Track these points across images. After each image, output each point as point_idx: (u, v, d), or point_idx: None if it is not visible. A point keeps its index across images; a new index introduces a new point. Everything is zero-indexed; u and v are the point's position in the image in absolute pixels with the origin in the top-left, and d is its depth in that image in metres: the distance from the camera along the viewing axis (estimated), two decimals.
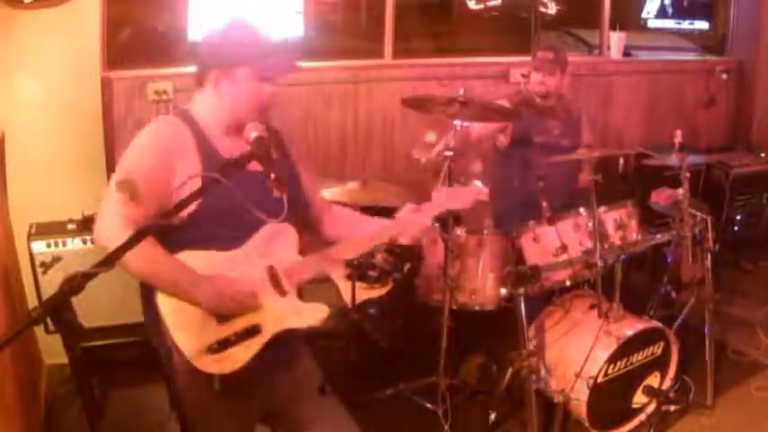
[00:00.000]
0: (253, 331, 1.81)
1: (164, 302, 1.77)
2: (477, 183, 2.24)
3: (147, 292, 1.81)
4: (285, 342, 1.88)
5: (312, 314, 1.90)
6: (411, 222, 2.07)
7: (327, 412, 2.03)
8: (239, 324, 1.80)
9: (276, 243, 1.86)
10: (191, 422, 1.92)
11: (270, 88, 1.85)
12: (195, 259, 1.77)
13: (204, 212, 1.76)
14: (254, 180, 1.72)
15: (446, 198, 2.18)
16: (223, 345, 1.77)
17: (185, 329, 1.76)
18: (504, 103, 3.36)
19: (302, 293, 1.95)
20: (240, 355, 1.79)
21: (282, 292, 1.86)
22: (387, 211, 3.55)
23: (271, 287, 1.85)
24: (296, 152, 2.07)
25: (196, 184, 1.64)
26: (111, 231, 1.72)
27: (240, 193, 1.62)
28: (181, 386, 1.87)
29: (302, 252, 1.93)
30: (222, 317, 1.79)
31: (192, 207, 1.69)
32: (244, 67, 1.81)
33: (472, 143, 3.32)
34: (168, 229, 1.75)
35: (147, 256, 1.70)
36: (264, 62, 1.82)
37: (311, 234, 2.10)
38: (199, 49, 1.92)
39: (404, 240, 2.02)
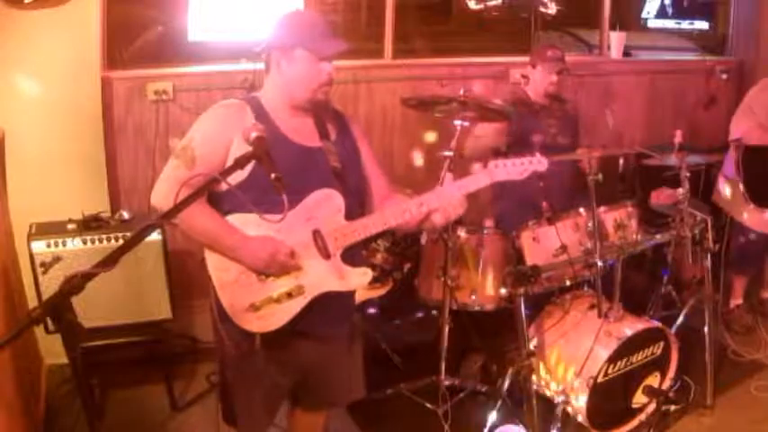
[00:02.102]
0: (295, 291, 1.90)
1: (210, 260, 1.90)
2: (538, 154, 2.13)
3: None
4: (329, 310, 1.97)
5: (356, 278, 1.99)
6: (447, 198, 2.02)
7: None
8: (282, 284, 1.90)
9: (323, 208, 1.92)
10: (230, 384, 2.03)
11: (327, 67, 1.94)
12: (242, 221, 1.88)
13: (255, 179, 1.84)
14: (313, 155, 1.93)
15: (497, 172, 2.08)
16: (265, 303, 1.88)
17: (228, 287, 1.88)
18: (503, 104, 3.37)
19: (350, 257, 1.98)
20: (281, 315, 1.89)
21: (327, 255, 1.93)
22: None
23: (315, 250, 1.92)
24: (359, 132, 2.16)
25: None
26: (161, 192, 1.90)
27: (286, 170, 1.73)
28: (226, 350, 1.95)
29: (351, 218, 1.98)
30: (264, 276, 1.89)
31: (244, 174, 1.82)
32: (301, 48, 1.92)
33: (482, 147, 3.34)
34: (220, 193, 1.89)
35: (192, 211, 1.77)
36: (319, 42, 1.93)
37: (366, 212, 2.12)
38: (264, 40, 2.03)
39: (439, 219, 2.01)
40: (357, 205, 2.05)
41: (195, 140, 1.92)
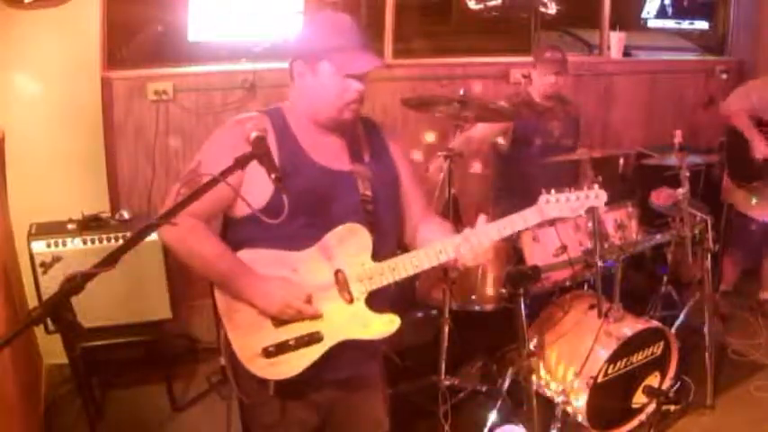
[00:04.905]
0: (312, 338, 1.72)
1: (220, 300, 1.73)
2: (596, 187, 1.87)
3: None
4: (353, 356, 1.78)
5: (379, 326, 1.76)
6: (475, 244, 1.77)
7: None
8: (298, 329, 1.72)
9: (348, 245, 1.72)
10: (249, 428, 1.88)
11: (355, 84, 1.72)
12: (257, 257, 1.71)
13: (274, 207, 1.63)
14: (339, 180, 1.72)
15: (548, 208, 1.83)
16: (280, 349, 1.70)
17: (240, 329, 1.71)
18: (503, 104, 3.37)
19: (375, 302, 1.78)
20: (296, 362, 1.71)
21: (350, 299, 1.74)
22: None
23: (337, 293, 1.73)
24: (399, 151, 1.93)
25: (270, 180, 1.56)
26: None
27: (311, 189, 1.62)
28: (242, 391, 1.81)
29: (379, 258, 1.76)
30: (279, 321, 1.71)
31: (262, 202, 1.65)
32: (326, 61, 1.70)
33: (473, 145, 3.33)
34: (234, 222, 1.74)
35: (201, 246, 1.68)
36: (348, 57, 1.70)
37: (401, 238, 1.94)
38: (290, 42, 1.82)
39: (470, 261, 1.78)
40: (388, 241, 1.82)
41: (203, 166, 1.67)
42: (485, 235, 1.78)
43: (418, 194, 1.97)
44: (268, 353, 1.69)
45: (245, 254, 1.72)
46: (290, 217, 1.56)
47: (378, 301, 1.77)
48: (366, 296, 1.75)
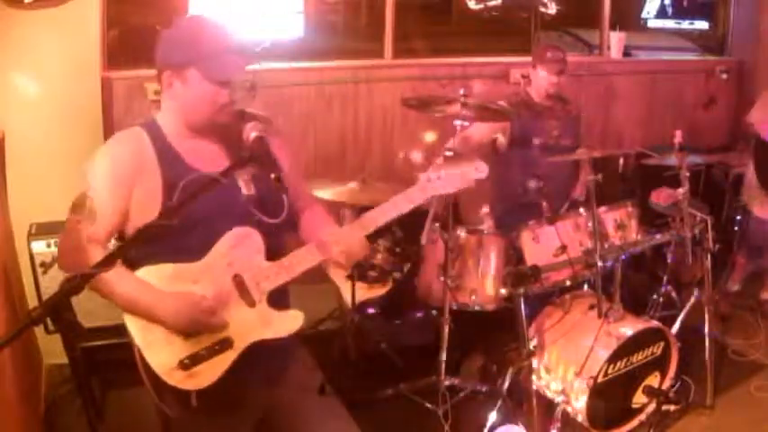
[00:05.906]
0: (223, 345, 1.73)
1: (129, 321, 1.72)
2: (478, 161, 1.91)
3: None
4: (268, 353, 1.80)
5: (285, 323, 1.80)
6: (341, 239, 1.80)
7: (327, 416, 1.94)
8: (209, 338, 1.72)
9: (241, 249, 1.73)
10: None
11: (224, 91, 1.71)
12: (155, 274, 1.69)
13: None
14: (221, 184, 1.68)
15: (430, 186, 1.86)
16: (194, 360, 1.70)
17: (154, 346, 1.71)
18: (503, 104, 3.37)
19: (276, 300, 1.81)
20: (212, 370, 1.72)
21: (251, 302, 1.75)
22: None
23: (238, 297, 1.74)
24: (279, 145, 1.89)
25: (157, 194, 1.64)
26: (65, 251, 1.74)
27: (214, 199, 1.60)
28: (165, 405, 1.80)
29: (273, 257, 1.78)
30: (188, 333, 1.71)
31: (153, 215, 1.64)
32: (193, 68, 1.68)
33: (472, 145, 3.33)
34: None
35: (103, 275, 1.63)
36: (213, 63, 1.68)
37: (291, 231, 1.95)
38: (155, 51, 1.77)
39: (342, 260, 1.79)
40: (281, 238, 1.83)
41: (91, 189, 1.68)
42: (349, 234, 1.80)
43: (303, 189, 2.01)
44: (184, 365, 1.69)
45: (143, 272, 1.69)
46: (182, 228, 1.57)
47: (279, 299, 1.79)
48: (266, 297, 1.76)
